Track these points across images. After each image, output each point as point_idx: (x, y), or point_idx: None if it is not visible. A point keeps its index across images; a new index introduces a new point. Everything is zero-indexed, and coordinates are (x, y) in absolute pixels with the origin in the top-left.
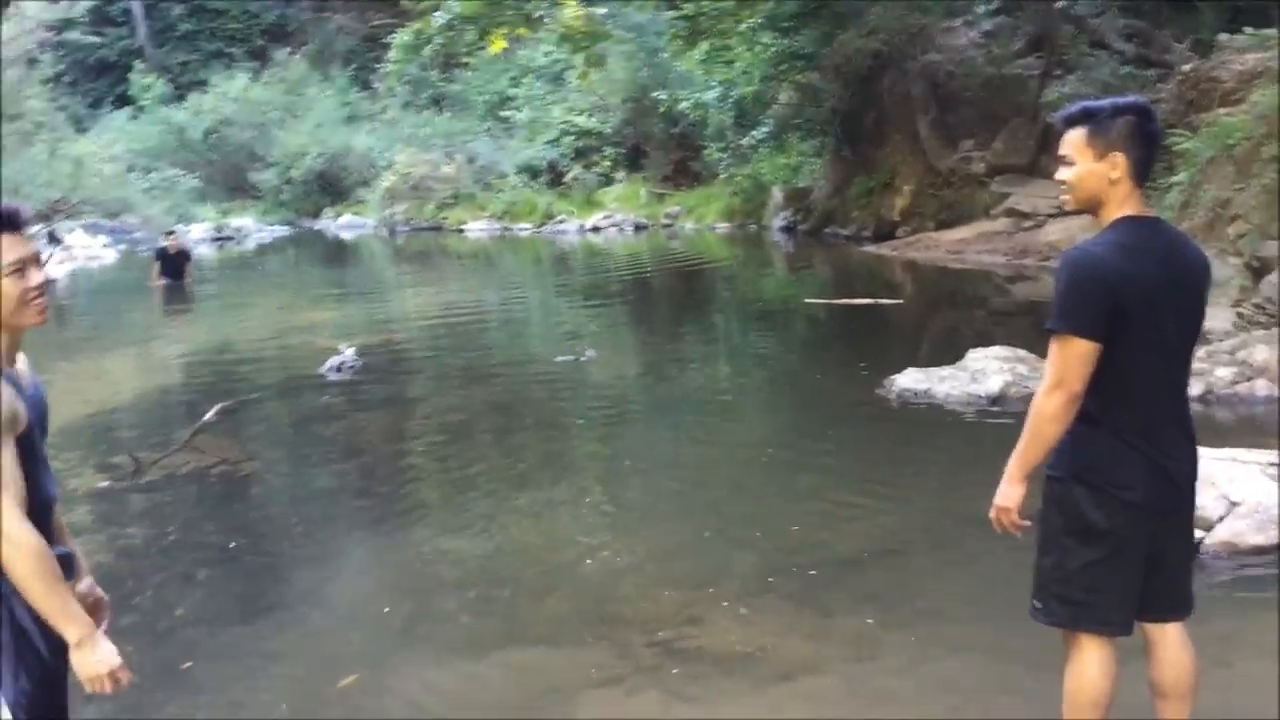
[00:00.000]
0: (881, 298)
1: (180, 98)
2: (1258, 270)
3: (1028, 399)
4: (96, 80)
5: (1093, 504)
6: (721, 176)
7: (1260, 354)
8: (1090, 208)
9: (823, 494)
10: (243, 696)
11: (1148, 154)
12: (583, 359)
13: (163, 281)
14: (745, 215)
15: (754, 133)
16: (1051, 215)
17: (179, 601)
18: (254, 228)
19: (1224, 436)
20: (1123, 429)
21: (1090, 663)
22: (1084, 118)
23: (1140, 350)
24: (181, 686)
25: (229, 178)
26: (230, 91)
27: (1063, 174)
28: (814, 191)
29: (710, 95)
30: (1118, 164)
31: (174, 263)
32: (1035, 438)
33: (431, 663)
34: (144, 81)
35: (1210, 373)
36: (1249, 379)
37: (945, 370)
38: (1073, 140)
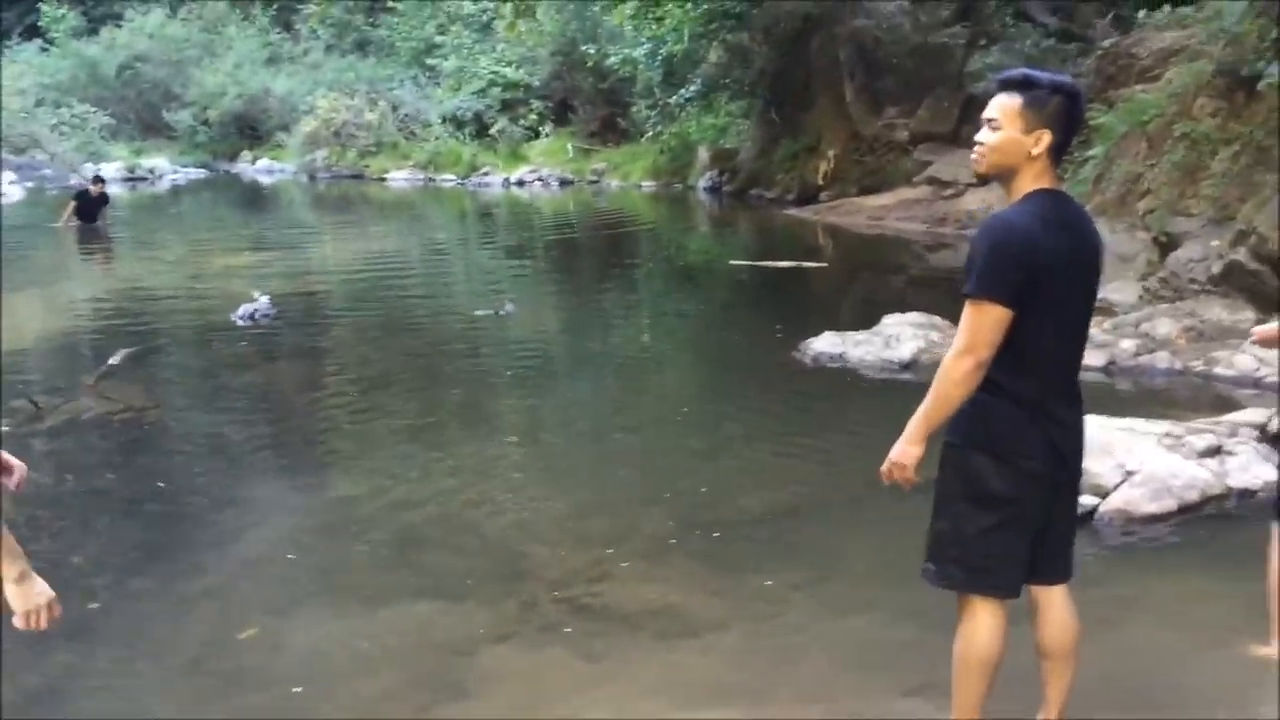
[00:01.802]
0: (803, 261)
1: (93, 31)
2: (1165, 245)
3: (939, 365)
4: (4, 10)
5: (992, 472)
6: (649, 135)
7: (1163, 327)
8: (1000, 176)
9: (735, 453)
10: (142, 647)
11: (1069, 138)
12: (502, 313)
13: (74, 224)
14: (671, 174)
15: (682, 91)
16: (971, 184)
17: (78, 550)
18: (168, 169)
19: (1124, 406)
20: (1023, 399)
21: (982, 626)
22: (1022, 86)
23: (1046, 322)
24: (79, 636)
25: (143, 116)
26: (146, 27)
27: (984, 136)
28: (740, 153)
29: (639, 52)
30: (1042, 141)
31: (92, 206)
32: (941, 400)
33: (334, 614)
34: (55, 13)
35: (1115, 344)
36: (1151, 351)
37: (860, 335)
38: (1005, 106)
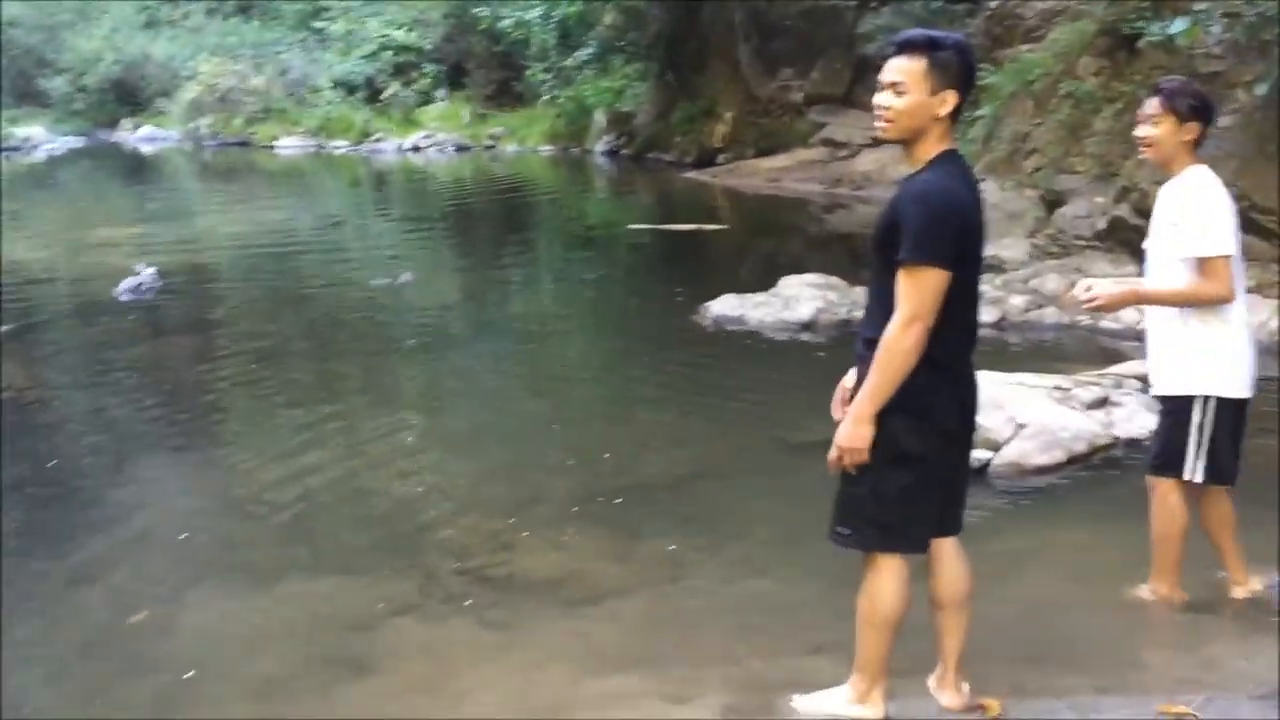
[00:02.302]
0: (703, 224)
1: None
2: (1052, 203)
3: (838, 325)
4: None
5: (908, 431)
6: (545, 98)
7: (1051, 283)
8: (907, 139)
9: (637, 419)
10: (29, 634)
11: (968, 96)
12: (399, 282)
13: None
14: (569, 139)
15: (578, 54)
16: (865, 145)
17: None
18: (44, 138)
19: (1015, 361)
20: (941, 358)
21: (888, 584)
22: (928, 47)
23: (963, 282)
24: None
25: (15, 84)
26: None
27: (888, 100)
28: (637, 116)
29: (533, 14)
30: (948, 102)
31: None
32: (892, 374)
33: (228, 594)
34: None
35: (1005, 300)
36: (1040, 307)
37: (760, 297)
38: (909, 69)
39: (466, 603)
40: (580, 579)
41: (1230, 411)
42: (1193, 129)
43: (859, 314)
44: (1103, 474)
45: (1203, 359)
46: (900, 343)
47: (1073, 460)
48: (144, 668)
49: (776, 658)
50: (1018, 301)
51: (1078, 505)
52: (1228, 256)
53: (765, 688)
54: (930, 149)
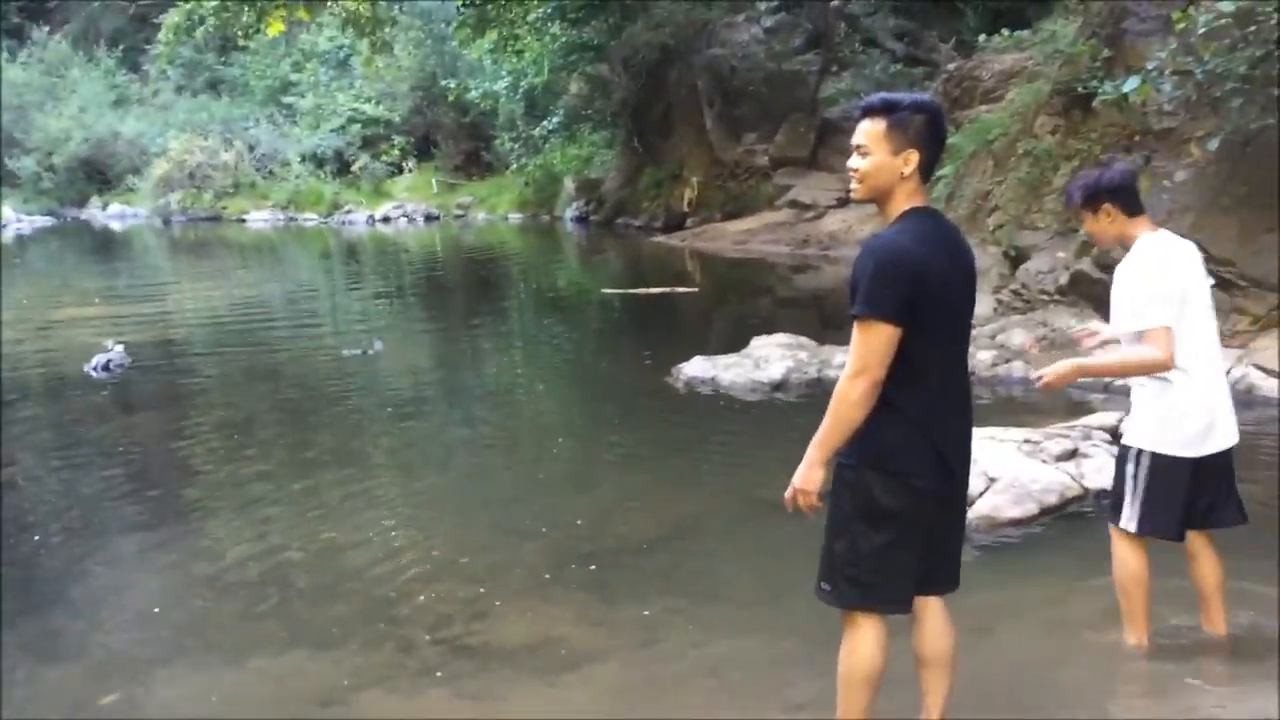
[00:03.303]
0: (673, 287)
1: None
2: (1015, 259)
3: (809, 384)
4: None
5: (884, 489)
6: (513, 167)
7: (1017, 337)
8: (877, 199)
9: (611, 483)
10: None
11: (936, 154)
12: (371, 352)
13: None
14: (538, 206)
15: (545, 123)
16: (831, 207)
17: None
18: (12, 218)
19: (984, 416)
20: (915, 415)
21: (866, 641)
22: (885, 110)
23: (933, 337)
24: None
25: None
26: None
27: (855, 163)
28: (605, 182)
29: (500, 85)
30: (910, 160)
31: None
32: (838, 422)
33: (199, 672)
34: None
35: (972, 356)
36: (1007, 361)
37: (730, 358)
38: (870, 131)
39: (441, 673)
40: (556, 646)
41: (1167, 468)
42: (1108, 209)
43: (830, 373)
44: (1074, 525)
45: (1144, 414)
46: (848, 394)
47: (1045, 512)
48: None
49: (758, 718)
50: (985, 357)
51: (1051, 557)
52: (1166, 327)
53: None
54: (899, 206)
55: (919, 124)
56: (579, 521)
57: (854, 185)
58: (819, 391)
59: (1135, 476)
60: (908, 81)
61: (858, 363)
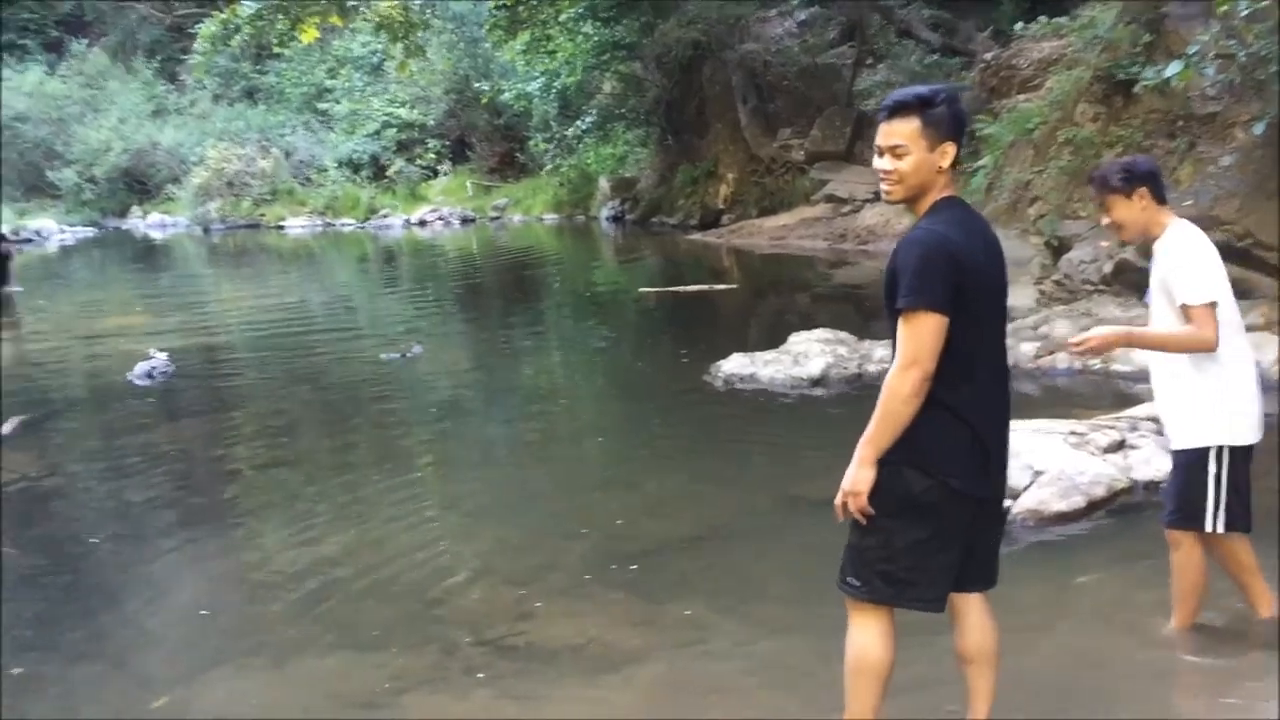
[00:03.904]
0: (710, 284)
1: None
2: (1057, 249)
3: (849, 380)
4: None
5: (922, 487)
6: (548, 168)
7: (1060, 328)
8: (915, 197)
9: (651, 482)
10: None
11: (963, 142)
12: (410, 355)
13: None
14: (573, 206)
15: (578, 123)
16: (868, 200)
17: None
18: (55, 229)
19: (1029, 408)
20: (960, 412)
21: (873, 635)
22: (920, 106)
23: (975, 329)
24: None
25: (25, 176)
26: (24, 85)
27: (890, 164)
28: (640, 181)
29: (533, 86)
30: (948, 153)
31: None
32: (889, 418)
33: (246, 675)
34: None
35: (1015, 348)
36: (1051, 353)
37: (769, 354)
38: (905, 131)
39: (485, 674)
40: (599, 646)
41: (1242, 458)
42: (1142, 193)
43: (871, 368)
44: (1123, 518)
45: (1211, 409)
46: (900, 388)
47: (1092, 505)
48: None
49: (802, 718)
50: (1027, 348)
51: (1100, 551)
52: (1212, 304)
53: None
54: (931, 200)
55: (950, 115)
56: (619, 521)
57: (888, 188)
58: (859, 387)
59: (1219, 477)
60: (944, 72)
61: (908, 355)
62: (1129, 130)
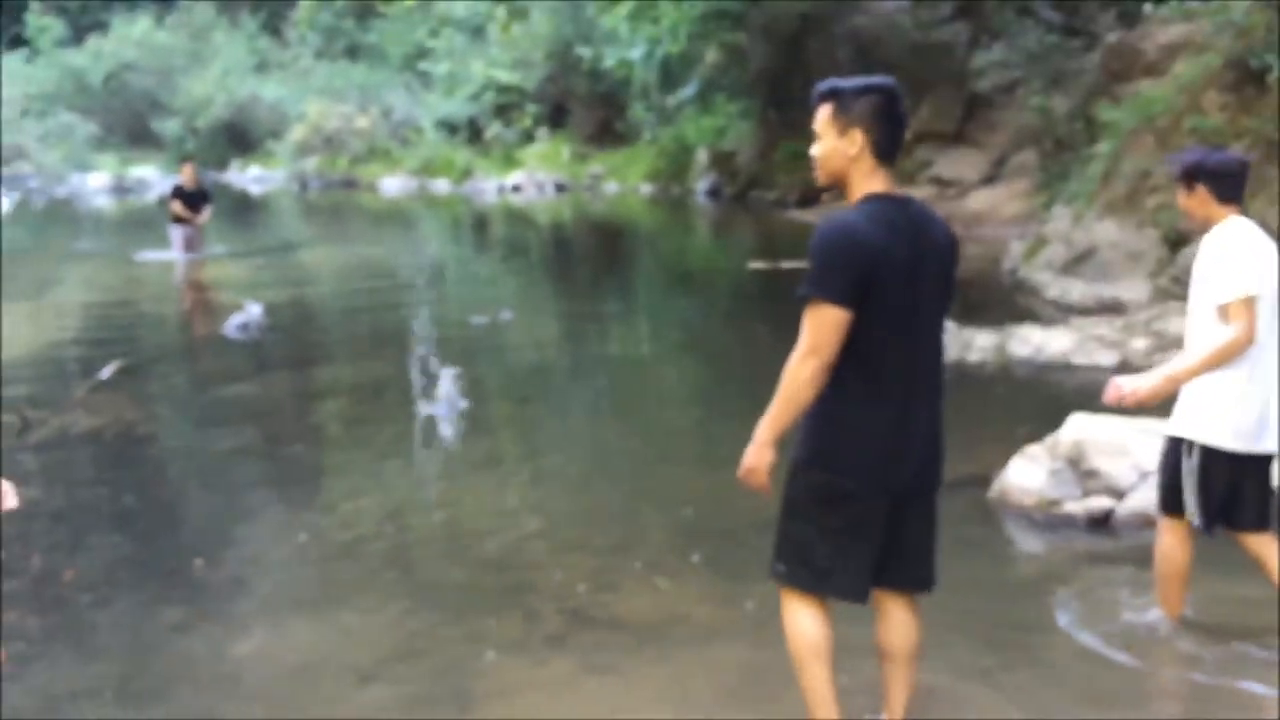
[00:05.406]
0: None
1: (78, 40)
2: (1175, 243)
3: (948, 366)
4: None
5: (820, 481)
6: (645, 137)
7: (1175, 325)
8: (837, 183)
9: (739, 460)
10: (137, 665)
11: (890, 133)
12: (499, 321)
13: (201, 218)
14: (669, 177)
15: (680, 93)
16: (975, 184)
17: (69, 566)
18: (156, 179)
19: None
20: (861, 406)
21: (798, 617)
22: (830, 96)
23: (888, 325)
24: (73, 651)
25: (130, 126)
26: (132, 35)
27: (813, 148)
28: (740, 155)
29: (636, 53)
30: (856, 141)
31: (192, 202)
32: (786, 402)
33: (331, 628)
34: (40, 22)
35: (1126, 343)
36: (1164, 349)
37: None
38: (820, 117)
39: (569, 642)
40: (682, 622)
41: (1220, 461)
42: (1201, 191)
43: (971, 357)
44: None
45: (1195, 403)
46: (797, 373)
47: None
48: (249, 696)
49: (879, 700)
50: (1140, 345)
51: (1207, 556)
52: (1249, 298)
53: None
54: (858, 190)
55: (863, 104)
56: (705, 498)
57: (815, 172)
58: (956, 374)
59: (1192, 470)
60: (1063, 53)
61: (807, 343)
62: (1259, 121)
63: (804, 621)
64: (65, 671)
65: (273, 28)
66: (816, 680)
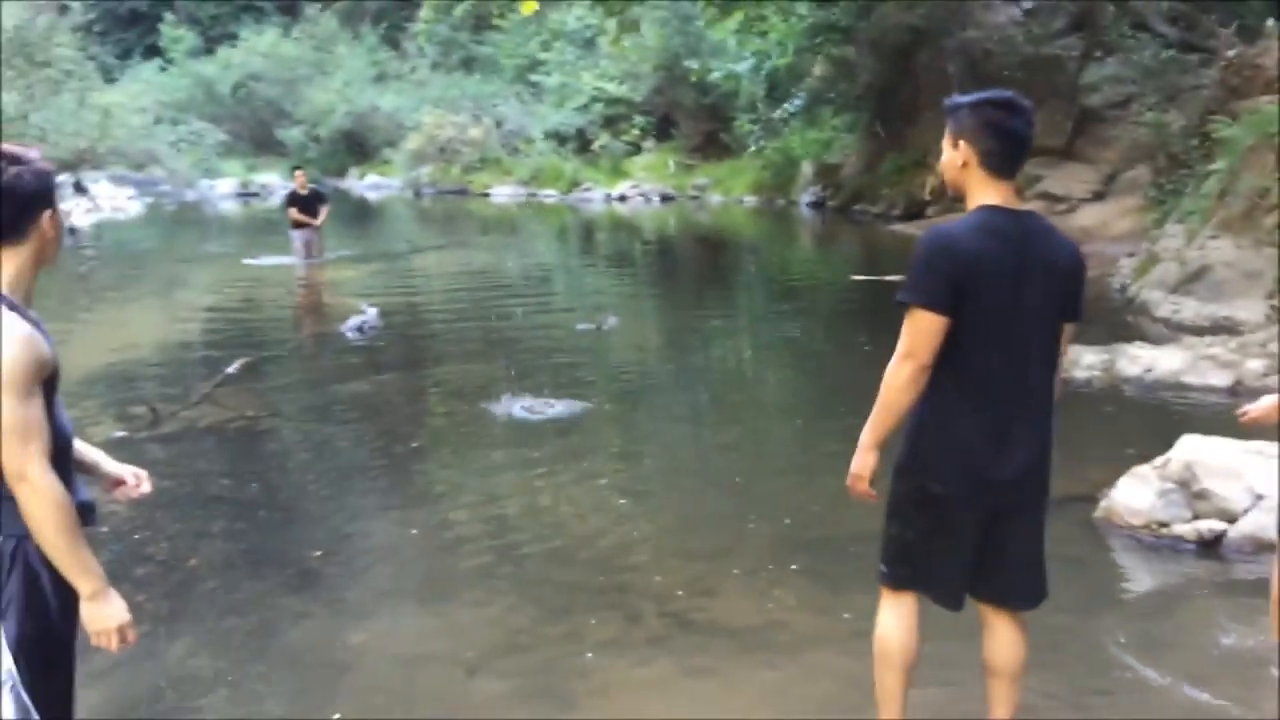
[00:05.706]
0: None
1: (209, 51)
2: None
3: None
4: (126, 30)
5: (912, 485)
6: (751, 149)
7: None
8: (956, 194)
9: (840, 471)
10: (255, 650)
11: (1001, 146)
12: (605, 327)
13: (319, 220)
14: (774, 190)
15: (786, 106)
16: (1085, 200)
17: (193, 553)
18: (280, 185)
19: (1252, 430)
20: (945, 418)
21: (892, 619)
22: (948, 108)
23: (987, 333)
24: (197, 634)
25: (256, 133)
26: (259, 46)
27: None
28: (845, 168)
29: (743, 66)
30: (964, 153)
31: (308, 206)
32: (885, 407)
33: (439, 622)
34: (174, 33)
35: (1241, 364)
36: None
37: None
38: (946, 132)
39: (668, 645)
40: (780, 629)
41: None
42: None
43: (1079, 374)
44: None
45: None
46: (894, 377)
47: None
48: (360, 685)
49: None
50: (1255, 365)
51: None
52: None
53: None
54: (973, 202)
55: (972, 117)
56: (805, 507)
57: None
58: (1063, 391)
59: None
60: (1180, 69)
61: (904, 347)
62: None
63: (893, 625)
64: (189, 654)
65: (392, 40)
66: (890, 682)
